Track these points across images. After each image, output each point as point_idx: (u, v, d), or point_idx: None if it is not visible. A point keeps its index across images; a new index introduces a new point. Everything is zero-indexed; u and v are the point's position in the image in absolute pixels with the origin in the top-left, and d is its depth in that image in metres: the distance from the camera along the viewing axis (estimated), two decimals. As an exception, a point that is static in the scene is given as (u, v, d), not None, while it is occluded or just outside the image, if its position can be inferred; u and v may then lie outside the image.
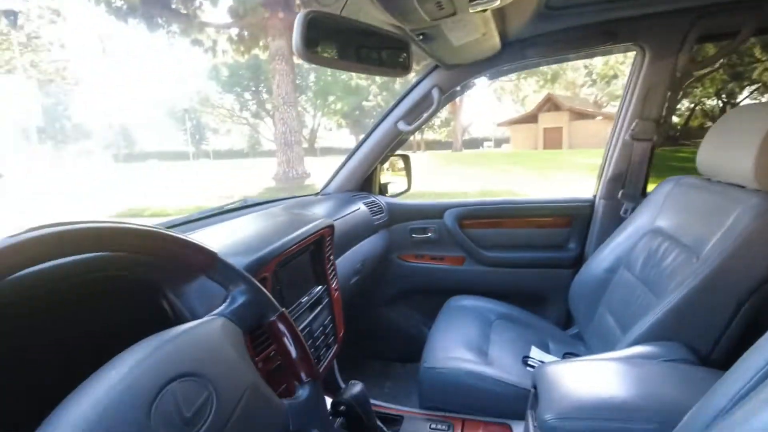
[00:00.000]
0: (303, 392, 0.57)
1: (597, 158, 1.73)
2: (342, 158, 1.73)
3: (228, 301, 0.56)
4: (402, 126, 1.52)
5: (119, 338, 0.45)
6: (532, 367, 1.23)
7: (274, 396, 0.52)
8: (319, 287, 1.01)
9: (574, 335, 1.50)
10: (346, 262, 1.36)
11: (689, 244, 1.07)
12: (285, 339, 0.59)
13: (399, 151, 1.87)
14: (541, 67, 18.50)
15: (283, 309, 0.60)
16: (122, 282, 0.61)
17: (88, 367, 0.40)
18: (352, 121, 27.09)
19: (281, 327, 0.59)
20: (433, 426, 1.01)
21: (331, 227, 1.06)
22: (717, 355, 0.94)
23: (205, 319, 0.52)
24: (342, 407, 0.87)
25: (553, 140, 23.00)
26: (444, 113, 33.80)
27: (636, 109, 1.42)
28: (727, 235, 0.94)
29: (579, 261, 1.59)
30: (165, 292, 0.66)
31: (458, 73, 1.48)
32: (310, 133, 29.37)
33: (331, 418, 0.91)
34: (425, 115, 1.49)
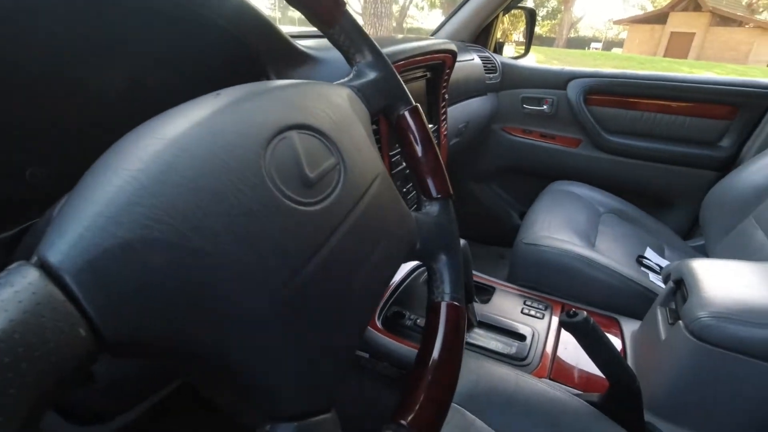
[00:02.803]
0: (430, 208, 0.45)
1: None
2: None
3: (354, 73, 0.42)
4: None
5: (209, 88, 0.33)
6: (648, 268, 1.06)
7: (403, 202, 0.40)
8: (431, 126, 0.86)
9: (697, 247, 1.28)
10: (450, 116, 1.18)
11: None
12: (415, 142, 0.45)
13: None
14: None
15: (418, 105, 0.46)
16: (223, 42, 0.49)
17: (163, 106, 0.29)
18: (448, 1, 24.47)
19: (412, 125, 0.45)
20: (529, 303, 0.91)
21: (453, 54, 0.86)
22: None
23: (333, 84, 0.39)
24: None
25: (678, 48, 19.45)
26: (553, 2, 29.51)
27: None
28: None
29: (730, 163, 1.30)
30: (268, 73, 0.54)
31: None
32: (401, 10, 27.11)
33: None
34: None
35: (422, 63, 0.77)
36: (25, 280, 0.17)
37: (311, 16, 0.39)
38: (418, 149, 0.45)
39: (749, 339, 0.58)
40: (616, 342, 0.84)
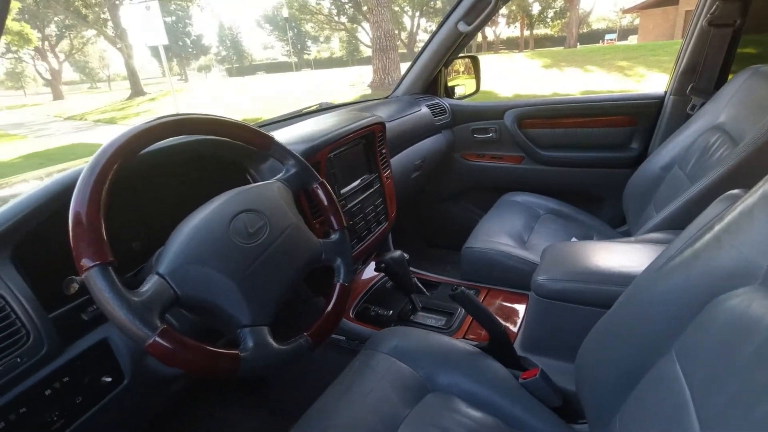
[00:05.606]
0: (334, 236, 0.82)
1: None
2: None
3: (284, 171, 0.81)
4: (462, 27, 1.57)
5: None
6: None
7: (312, 235, 0.77)
8: (371, 174, 1.23)
9: (623, 233, 1.56)
10: (405, 158, 1.55)
11: (735, 136, 1.06)
12: (324, 199, 0.83)
13: (466, 53, 1.92)
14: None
15: (323, 180, 0.83)
16: (223, 162, 0.89)
17: None
18: (453, 20, 25.09)
19: (320, 192, 0.83)
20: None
21: (381, 124, 1.24)
22: None
23: (267, 181, 0.77)
24: (382, 264, 1.13)
25: (695, 27, 19.03)
26: (560, 2, 29.54)
27: (720, -12, 1.29)
28: (763, 126, 0.93)
29: (640, 161, 1.59)
30: (248, 168, 0.94)
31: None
32: (409, 35, 28.03)
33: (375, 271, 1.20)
34: (484, 13, 1.52)
35: (355, 137, 1.15)
36: (154, 278, 0.56)
37: (258, 149, 0.78)
38: (326, 203, 0.83)
39: (566, 290, 0.90)
40: (522, 309, 1.16)
